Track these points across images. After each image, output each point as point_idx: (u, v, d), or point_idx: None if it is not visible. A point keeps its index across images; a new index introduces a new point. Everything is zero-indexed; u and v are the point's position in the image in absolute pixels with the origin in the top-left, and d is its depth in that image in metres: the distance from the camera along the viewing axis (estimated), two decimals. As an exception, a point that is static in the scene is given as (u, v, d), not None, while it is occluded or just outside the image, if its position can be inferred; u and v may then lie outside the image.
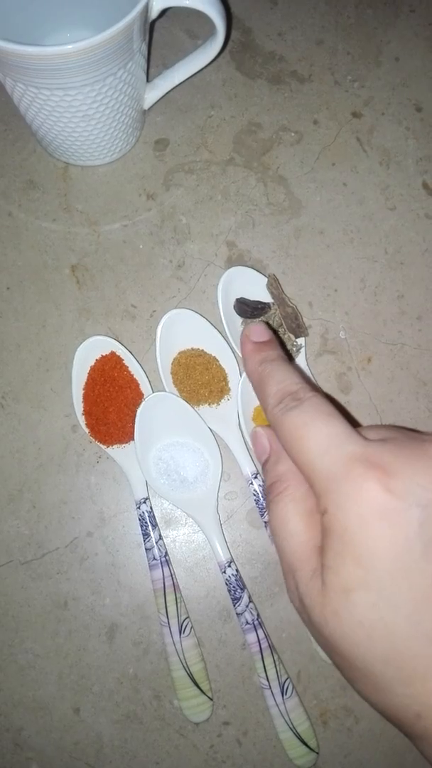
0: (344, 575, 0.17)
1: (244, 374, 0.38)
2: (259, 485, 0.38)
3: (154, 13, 0.35)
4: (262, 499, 0.38)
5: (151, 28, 0.37)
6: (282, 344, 0.40)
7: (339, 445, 0.18)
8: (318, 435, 0.19)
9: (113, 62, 0.34)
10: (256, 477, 0.38)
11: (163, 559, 0.37)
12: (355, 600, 0.17)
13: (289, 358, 0.40)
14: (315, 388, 0.21)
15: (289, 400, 0.20)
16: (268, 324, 0.39)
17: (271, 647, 0.36)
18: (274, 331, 0.40)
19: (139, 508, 0.38)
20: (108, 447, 0.39)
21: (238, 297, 0.40)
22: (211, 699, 0.36)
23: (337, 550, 0.18)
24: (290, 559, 0.20)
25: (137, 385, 0.39)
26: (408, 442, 0.19)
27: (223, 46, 0.38)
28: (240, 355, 0.40)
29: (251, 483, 0.38)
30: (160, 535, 0.38)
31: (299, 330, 0.40)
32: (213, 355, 0.40)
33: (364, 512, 0.17)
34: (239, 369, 0.40)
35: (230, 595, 0.37)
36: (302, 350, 0.40)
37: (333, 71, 0.47)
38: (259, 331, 0.26)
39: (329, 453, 0.18)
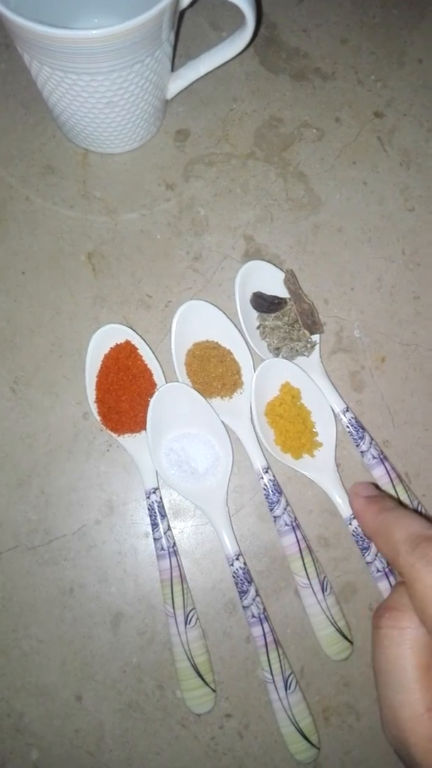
0: None
1: (258, 368, 0.38)
2: (270, 480, 0.38)
3: (184, 2, 0.35)
4: (271, 493, 0.38)
5: (180, 17, 0.37)
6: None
7: None
8: None
9: (142, 49, 0.33)
10: (267, 471, 0.38)
11: (170, 549, 0.37)
12: None
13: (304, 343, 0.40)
14: None
15: (427, 546, 0.19)
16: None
17: (276, 641, 0.36)
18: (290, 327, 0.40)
19: (148, 497, 0.38)
20: (119, 436, 0.38)
21: (255, 291, 0.40)
22: (214, 691, 0.36)
23: None
24: (399, 714, 0.19)
25: (151, 374, 0.39)
26: None
27: (250, 39, 0.38)
28: (257, 354, 0.40)
29: (261, 477, 0.38)
30: (168, 526, 0.38)
31: (314, 327, 0.40)
32: (227, 348, 0.40)
33: None
34: (253, 363, 0.40)
35: (237, 588, 0.37)
36: (316, 347, 0.40)
37: (356, 70, 0.47)
38: (368, 486, 0.25)
39: None
